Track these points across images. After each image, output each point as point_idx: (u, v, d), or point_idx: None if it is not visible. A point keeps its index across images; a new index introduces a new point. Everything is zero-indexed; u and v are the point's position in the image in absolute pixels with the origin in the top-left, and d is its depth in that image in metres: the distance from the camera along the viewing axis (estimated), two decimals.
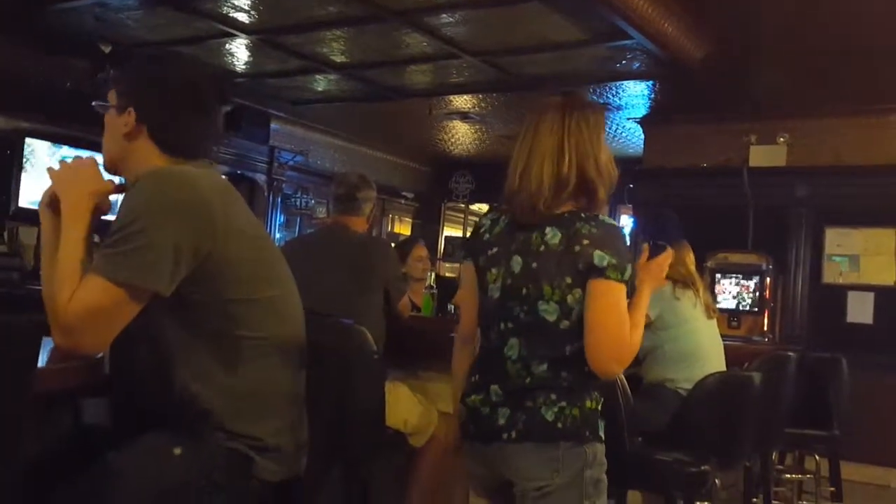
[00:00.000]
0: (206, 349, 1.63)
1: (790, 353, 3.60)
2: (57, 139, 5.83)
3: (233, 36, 5.54)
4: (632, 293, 1.87)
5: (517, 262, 1.83)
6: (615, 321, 1.76)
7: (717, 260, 6.27)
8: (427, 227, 9.97)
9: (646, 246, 2.07)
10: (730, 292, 6.25)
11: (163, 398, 1.66)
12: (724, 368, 3.31)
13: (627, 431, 2.59)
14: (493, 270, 1.87)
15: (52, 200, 1.69)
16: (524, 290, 1.81)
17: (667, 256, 2.08)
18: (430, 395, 3.04)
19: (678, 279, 3.33)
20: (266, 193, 7.63)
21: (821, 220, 6.40)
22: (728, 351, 3.49)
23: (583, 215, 1.81)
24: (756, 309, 6.09)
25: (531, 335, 1.81)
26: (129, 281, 1.52)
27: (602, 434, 1.84)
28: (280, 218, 7.91)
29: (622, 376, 2.88)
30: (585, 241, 1.76)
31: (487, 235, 1.93)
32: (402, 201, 9.78)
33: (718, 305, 5.91)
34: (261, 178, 7.60)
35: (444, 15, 4.89)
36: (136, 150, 1.70)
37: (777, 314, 6.31)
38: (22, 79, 5.76)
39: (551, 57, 5.54)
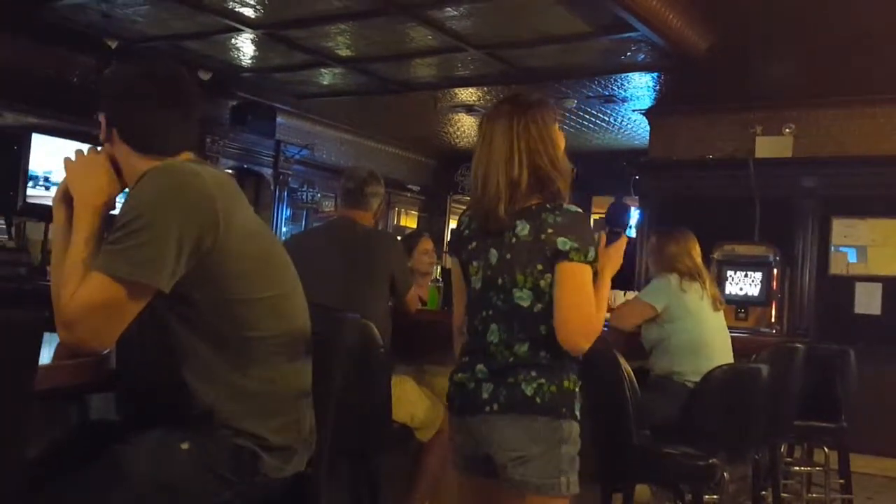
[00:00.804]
0: (210, 349, 1.62)
1: (798, 345, 3.59)
2: (63, 134, 5.83)
3: (238, 31, 5.54)
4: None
5: (493, 255, 1.99)
6: (580, 299, 1.91)
7: (724, 251, 6.25)
8: (433, 220, 9.97)
9: (602, 234, 2.15)
10: (737, 284, 6.23)
11: (168, 395, 1.66)
12: (731, 361, 3.31)
13: (635, 424, 2.59)
14: (475, 264, 2.04)
15: (66, 194, 1.70)
16: (500, 280, 1.97)
17: (622, 242, 2.17)
18: (437, 389, 3.04)
19: (684, 271, 3.33)
20: (272, 187, 7.63)
21: (828, 210, 6.39)
22: (735, 343, 3.48)
23: (548, 206, 1.96)
24: (763, 300, 6.07)
25: (509, 320, 1.96)
26: (128, 277, 1.52)
27: (578, 414, 1.97)
28: (286, 212, 7.92)
29: (629, 368, 2.89)
30: (550, 230, 1.92)
31: (467, 231, 2.08)
32: (408, 194, 9.77)
33: (725, 296, 5.91)
34: (267, 172, 7.59)
35: (449, 8, 4.88)
36: (117, 153, 1.71)
37: (784, 306, 6.29)
38: (29, 74, 5.77)
39: (556, 49, 5.52)
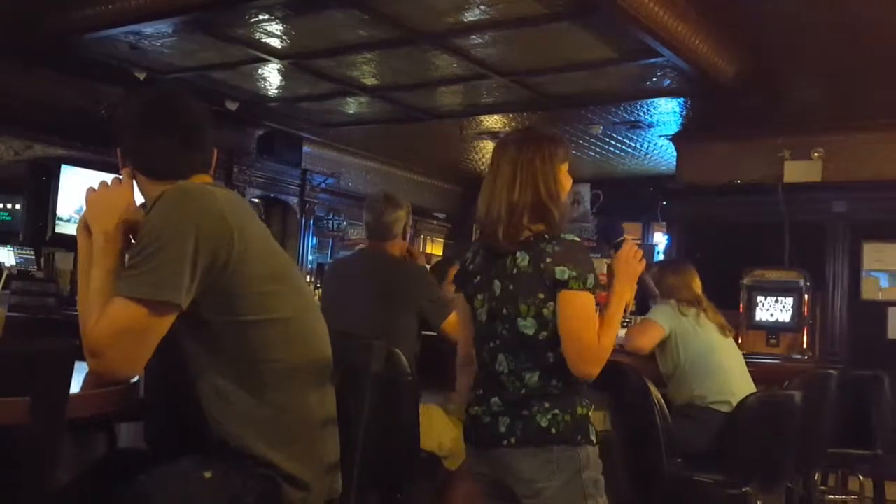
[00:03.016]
0: (226, 374, 1.62)
1: (831, 372, 3.54)
2: (92, 165, 5.93)
3: (265, 61, 5.61)
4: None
5: (497, 286, 2.03)
6: (581, 326, 1.94)
7: (754, 277, 6.17)
8: (459, 248, 9.96)
9: (613, 252, 2.17)
10: (767, 310, 6.15)
11: (189, 423, 1.66)
12: (750, 383, 3.29)
13: (666, 452, 2.55)
14: (480, 297, 2.08)
15: (87, 224, 1.72)
16: (505, 311, 2.01)
17: (628, 244, 2.16)
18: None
19: (682, 300, 3.36)
20: (298, 216, 7.68)
21: (858, 235, 6.30)
22: (767, 369, 3.46)
23: (546, 236, 2.00)
24: (794, 326, 5.97)
25: (516, 350, 1.99)
26: (149, 297, 1.53)
27: (594, 438, 1.99)
28: (312, 240, 7.96)
29: (658, 395, 2.86)
30: (549, 259, 1.96)
31: (472, 266, 2.15)
32: (434, 222, 9.79)
33: (755, 323, 5.84)
34: (293, 200, 7.65)
35: (474, 36, 4.91)
36: (139, 184, 1.75)
37: (816, 331, 6.18)
38: (58, 106, 5.88)
39: (582, 76, 5.52)
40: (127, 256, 1.66)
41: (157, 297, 1.52)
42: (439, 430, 2.92)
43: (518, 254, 2.00)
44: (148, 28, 5.12)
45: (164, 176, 1.71)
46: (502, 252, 2.02)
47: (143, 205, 1.74)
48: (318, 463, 1.69)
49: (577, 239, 2.03)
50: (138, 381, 1.71)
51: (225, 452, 1.61)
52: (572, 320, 1.94)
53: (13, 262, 5.85)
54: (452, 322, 3.12)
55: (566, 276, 1.93)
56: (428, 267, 3.68)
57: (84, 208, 1.72)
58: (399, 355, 2.55)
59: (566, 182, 2.09)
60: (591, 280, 1.95)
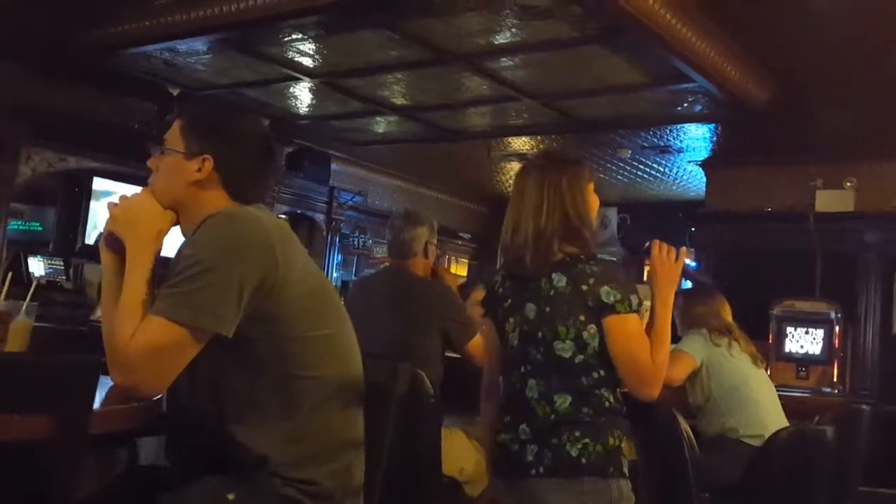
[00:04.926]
0: (262, 390, 1.62)
1: (863, 407, 3.46)
2: (124, 178, 5.99)
3: (297, 79, 5.65)
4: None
5: (531, 309, 1.98)
6: (635, 349, 1.91)
7: (784, 307, 6.06)
8: (484, 268, 9.92)
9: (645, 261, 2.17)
10: (797, 341, 6.03)
11: (218, 440, 1.64)
12: (783, 416, 3.23)
13: (695, 486, 2.49)
14: (511, 321, 2.03)
15: (110, 239, 1.71)
16: (540, 334, 1.95)
17: (657, 248, 2.11)
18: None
19: (713, 329, 3.30)
20: (324, 233, 7.71)
21: (891, 267, 6.18)
22: (796, 403, 3.38)
23: (582, 257, 1.97)
24: (825, 359, 5.85)
25: (549, 374, 1.95)
26: (190, 321, 1.52)
27: (626, 471, 1.93)
28: (338, 257, 7.97)
29: (687, 427, 2.80)
30: (591, 280, 1.91)
31: (501, 290, 2.09)
32: (459, 242, 9.77)
33: (785, 354, 5.74)
34: (320, 217, 7.69)
35: (504, 59, 4.90)
36: (203, 196, 1.71)
37: (847, 365, 6.05)
38: (91, 120, 5.96)
39: (611, 99, 5.50)
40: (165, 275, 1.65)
41: (200, 323, 1.52)
42: (461, 454, 2.89)
43: (554, 275, 1.95)
44: (182, 45, 5.17)
45: (246, 199, 1.71)
46: (530, 277, 1.98)
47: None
48: (346, 485, 1.67)
49: (614, 259, 2.03)
50: (161, 396, 1.70)
51: (250, 472, 1.60)
52: (625, 344, 1.90)
53: (42, 273, 5.92)
54: (477, 344, 3.08)
55: (612, 300, 1.89)
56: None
57: (109, 222, 1.71)
58: (422, 377, 2.51)
59: (594, 202, 2.06)
60: (635, 301, 1.92)
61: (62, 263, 6.13)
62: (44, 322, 3.69)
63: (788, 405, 3.46)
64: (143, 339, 1.53)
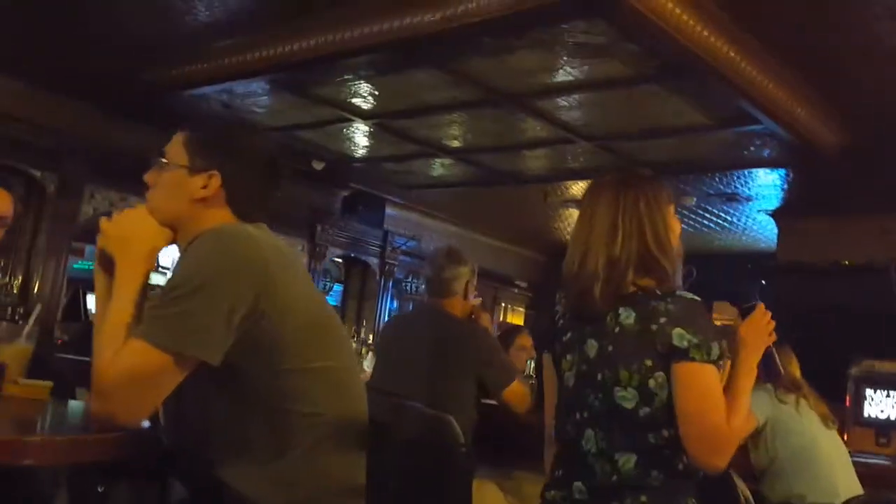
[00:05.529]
0: (253, 426, 1.48)
1: None
2: None
3: (351, 121, 5.63)
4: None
5: (592, 347, 1.71)
6: (706, 407, 1.60)
7: (863, 368, 5.66)
8: (540, 318, 9.70)
9: (736, 315, 1.85)
10: (877, 405, 5.60)
11: (203, 479, 1.51)
12: (856, 482, 2.95)
13: None
14: (568, 357, 1.77)
15: (103, 259, 1.61)
16: (599, 376, 1.68)
17: (760, 310, 1.84)
18: (524, 497, 2.76)
19: (780, 385, 3.01)
20: (378, 277, 7.65)
21: None
22: (876, 471, 3.09)
23: (658, 292, 1.68)
24: None
25: (609, 425, 1.66)
26: (174, 347, 1.39)
27: None
28: (391, 303, 7.89)
29: (747, 492, 2.55)
30: (662, 319, 1.63)
31: (562, 321, 1.82)
32: (515, 290, 9.58)
33: (864, 419, 5.33)
34: (373, 261, 7.64)
35: (560, 99, 4.77)
36: (206, 214, 1.60)
37: None
38: (149, 160, 6.05)
39: (672, 142, 5.28)
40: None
41: (184, 349, 1.39)
42: None
43: (621, 310, 1.68)
44: (239, 87, 5.22)
45: (249, 219, 1.60)
46: (597, 313, 1.70)
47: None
48: None
49: (696, 298, 1.67)
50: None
51: None
52: (696, 399, 1.59)
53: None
54: (515, 390, 2.89)
55: (686, 344, 1.59)
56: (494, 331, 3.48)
57: (100, 238, 1.61)
58: (450, 423, 2.32)
59: (675, 227, 1.79)
60: (715, 350, 1.61)
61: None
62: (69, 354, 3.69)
63: (865, 473, 3.16)
64: (122, 363, 1.40)
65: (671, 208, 1.80)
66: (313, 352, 1.52)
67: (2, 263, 5.75)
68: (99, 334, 1.50)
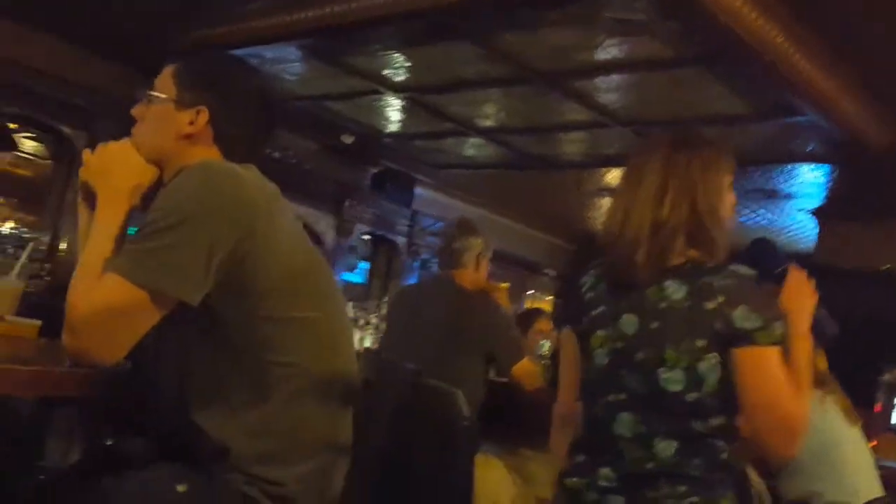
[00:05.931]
0: (230, 373, 1.41)
1: None
2: None
3: (382, 93, 5.54)
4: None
5: (630, 322, 1.56)
6: (775, 394, 1.48)
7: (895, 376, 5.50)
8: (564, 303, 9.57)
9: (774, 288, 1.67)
10: None
11: (178, 424, 1.44)
12: (878, 484, 2.82)
13: None
14: (600, 333, 1.61)
15: (87, 193, 1.54)
16: (640, 355, 1.53)
17: (795, 274, 1.72)
18: (529, 476, 2.68)
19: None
20: (404, 256, 7.62)
21: None
22: None
23: (709, 266, 1.54)
24: None
25: (648, 409, 1.52)
26: (150, 284, 1.31)
27: None
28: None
29: (763, 489, 2.44)
30: (721, 298, 1.48)
31: (591, 294, 1.67)
32: (544, 278, 9.45)
33: (894, 425, 5.18)
34: (401, 240, 7.60)
35: (596, 79, 4.63)
36: (192, 151, 1.52)
37: None
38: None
39: (711, 132, 5.05)
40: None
41: (161, 286, 1.31)
42: (497, 485, 2.59)
43: (668, 283, 1.53)
44: (270, 52, 5.15)
45: (238, 158, 1.51)
46: (639, 282, 1.56)
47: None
48: (317, 489, 1.44)
49: (752, 272, 1.53)
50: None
51: (209, 463, 1.39)
52: (764, 387, 1.46)
53: None
54: (524, 368, 2.80)
55: (750, 326, 1.46)
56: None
57: (83, 171, 1.54)
58: (455, 395, 2.24)
59: (730, 199, 1.64)
60: (778, 330, 1.48)
61: None
62: None
63: (891, 478, 3.01)
64: (97, 298, 1.33)
65: (729, 178, 1.65)
66: (296, 301, 1.43)
67: (31, 220, 5.79)
68: (76, 269, 1.44)
